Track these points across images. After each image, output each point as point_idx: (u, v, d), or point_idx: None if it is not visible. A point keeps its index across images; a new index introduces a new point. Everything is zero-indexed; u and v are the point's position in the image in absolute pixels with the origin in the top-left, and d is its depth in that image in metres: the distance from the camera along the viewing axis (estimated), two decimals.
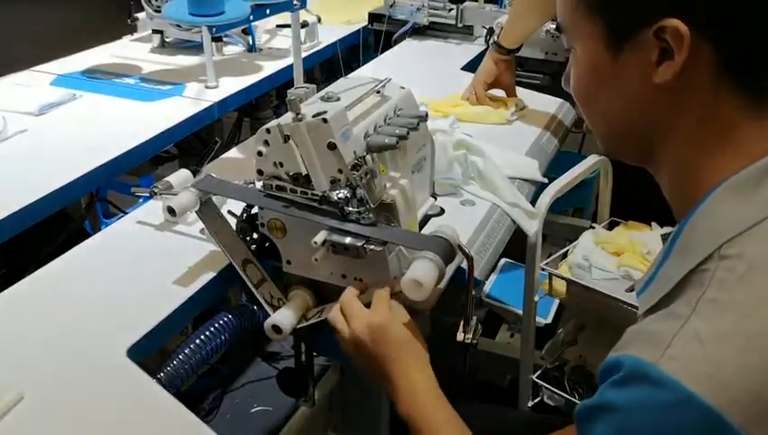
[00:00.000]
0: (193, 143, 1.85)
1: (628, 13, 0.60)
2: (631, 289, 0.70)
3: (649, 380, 0.52)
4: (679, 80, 0.59)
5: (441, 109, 1.56)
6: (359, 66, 2.00)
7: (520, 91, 1.68)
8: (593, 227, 1.44)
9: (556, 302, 1.67)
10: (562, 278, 1.30)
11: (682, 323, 0.53)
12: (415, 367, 0.84)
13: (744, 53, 0.57)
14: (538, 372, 1.42)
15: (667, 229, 1.34)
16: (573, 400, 1.35)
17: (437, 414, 0.80)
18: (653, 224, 1.40)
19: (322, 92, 0.95)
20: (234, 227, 0.99)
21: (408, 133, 0.96)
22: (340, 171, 0.87)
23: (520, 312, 1.46)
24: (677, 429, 0.51)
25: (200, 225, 1.06)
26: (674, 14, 0.56)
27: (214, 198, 0.99)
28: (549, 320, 1.69)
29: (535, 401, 1.43)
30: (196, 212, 0.97)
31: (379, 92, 1.02)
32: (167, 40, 1.97)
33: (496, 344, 1.88)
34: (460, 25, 2.11)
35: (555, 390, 1.39)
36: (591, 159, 1.42)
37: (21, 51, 1.76)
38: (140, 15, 1.99)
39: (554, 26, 1.87)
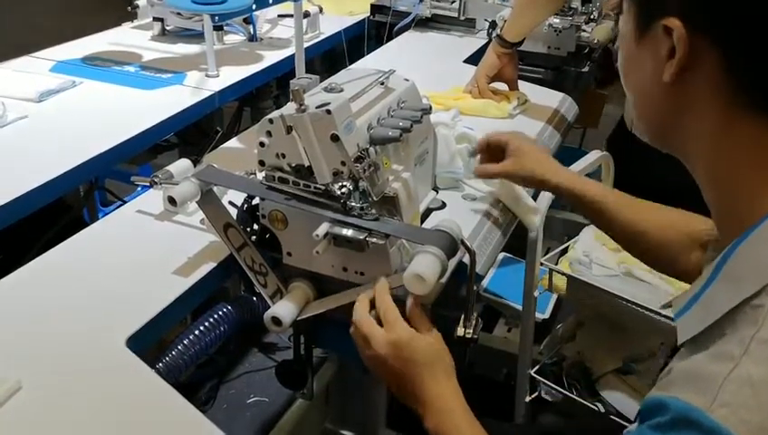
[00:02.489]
0: (192, 132, 1.84)
1: (648, 3, 0.60)
2: (668, 305, 0.68)
3: (698, 427, 0.49)
4: (683, 82, 0.58)
5: (443, 102, 1.55)
6: (360, 58, 1.99)
7: (522, 84, 1.67)
8: None
9: (554, 297, 1.67)
10: (563, 274, 1.30)
11: (733, 365, 0.50)
12: (443, 384, 0.80)
13: (752, 66, 0.54)
14: (536, 368, 1.42)
15: None
16: (571, 395, 1.35)
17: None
18: None
19: (325, 83, 0.94)
20: (234, 218, 0.99)
21: (411, 126, 0.96)
22: (343, 163, 0.86)
23: (518, 307, 1.46)
24: None
25: (200, 215, 1.05)
26: (677, 14, 0.56)
27: (215, 188, 0.98)
28: (547, 315, 1.69)
29: (533, 396, 1.43)
30: (197, 202, 0.96)
31: (382, 84, 1.01)
32: (167, 28, 1.95)
33: (493, 339, 1.88)
34: (462, 18, 2.10)
35: (553, 385, 1.39)
36: (594, 155, 1.41)
37: (20, 36, 1.75)
38: (141, 2, 1.98)
39: (557, 20, 1.86)
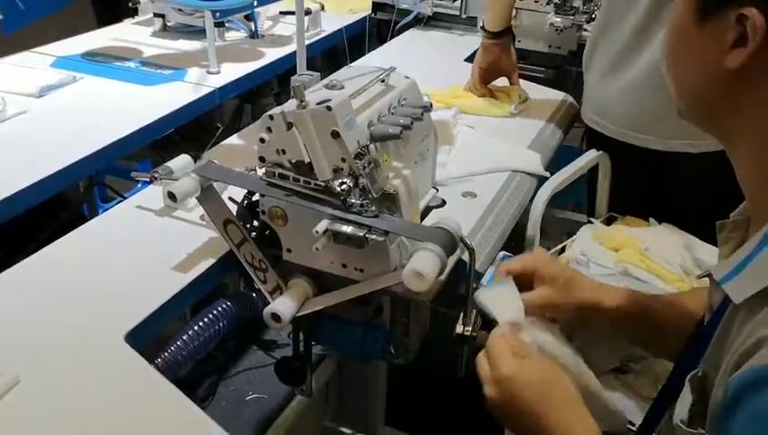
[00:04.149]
0: (192, 128, 1.84)
1: None
2: (705, 275, 0.70)
3: None
4: (748, 69, 0.59)
5: (444, 100, 1.55)
6: (360, 56, 1.99)
7: (523, 83, 1.67)
8: (591, 223, 1.44)
9: None
10: None
11: None
12: (567, 417, 0.74)
13: None
14: None
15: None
16: None
17: None
18: (651, 220, 1.40)
19: (326, 80, 0.95)
20: (234, 214, 0.99)
21: (412, 123, 0.96)
22: (344, 160, 0.86)
23: None
24: None
25: (200, 211, 1.05)
26: (754, 4, 0.57)
27: (215, 184, 0.98)
28: None
29: None
30: (196, 198, 0.96)
31: (383, 81, 1.01)
32: (168, 24, 1.95)
33: None
34: (464, 16, 2.10)
35: None
36: (590, 155, 1.42)
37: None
38: None
39: (558, 20, 1.86)
